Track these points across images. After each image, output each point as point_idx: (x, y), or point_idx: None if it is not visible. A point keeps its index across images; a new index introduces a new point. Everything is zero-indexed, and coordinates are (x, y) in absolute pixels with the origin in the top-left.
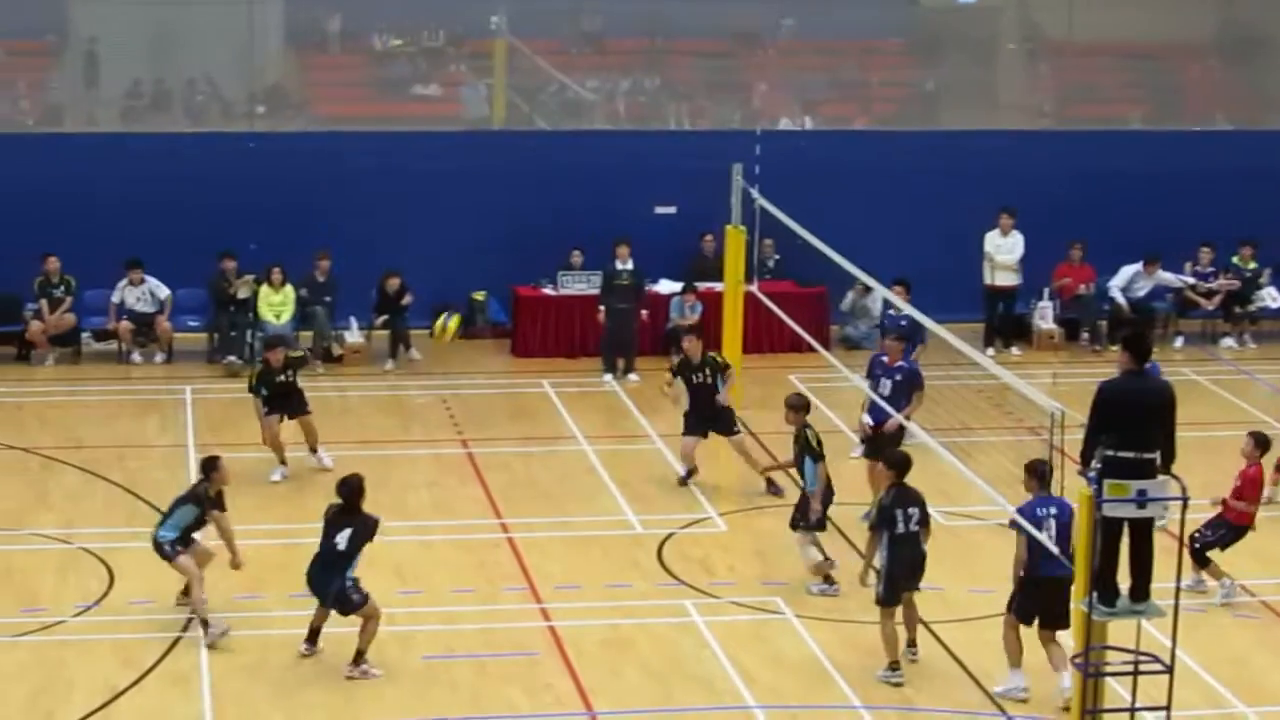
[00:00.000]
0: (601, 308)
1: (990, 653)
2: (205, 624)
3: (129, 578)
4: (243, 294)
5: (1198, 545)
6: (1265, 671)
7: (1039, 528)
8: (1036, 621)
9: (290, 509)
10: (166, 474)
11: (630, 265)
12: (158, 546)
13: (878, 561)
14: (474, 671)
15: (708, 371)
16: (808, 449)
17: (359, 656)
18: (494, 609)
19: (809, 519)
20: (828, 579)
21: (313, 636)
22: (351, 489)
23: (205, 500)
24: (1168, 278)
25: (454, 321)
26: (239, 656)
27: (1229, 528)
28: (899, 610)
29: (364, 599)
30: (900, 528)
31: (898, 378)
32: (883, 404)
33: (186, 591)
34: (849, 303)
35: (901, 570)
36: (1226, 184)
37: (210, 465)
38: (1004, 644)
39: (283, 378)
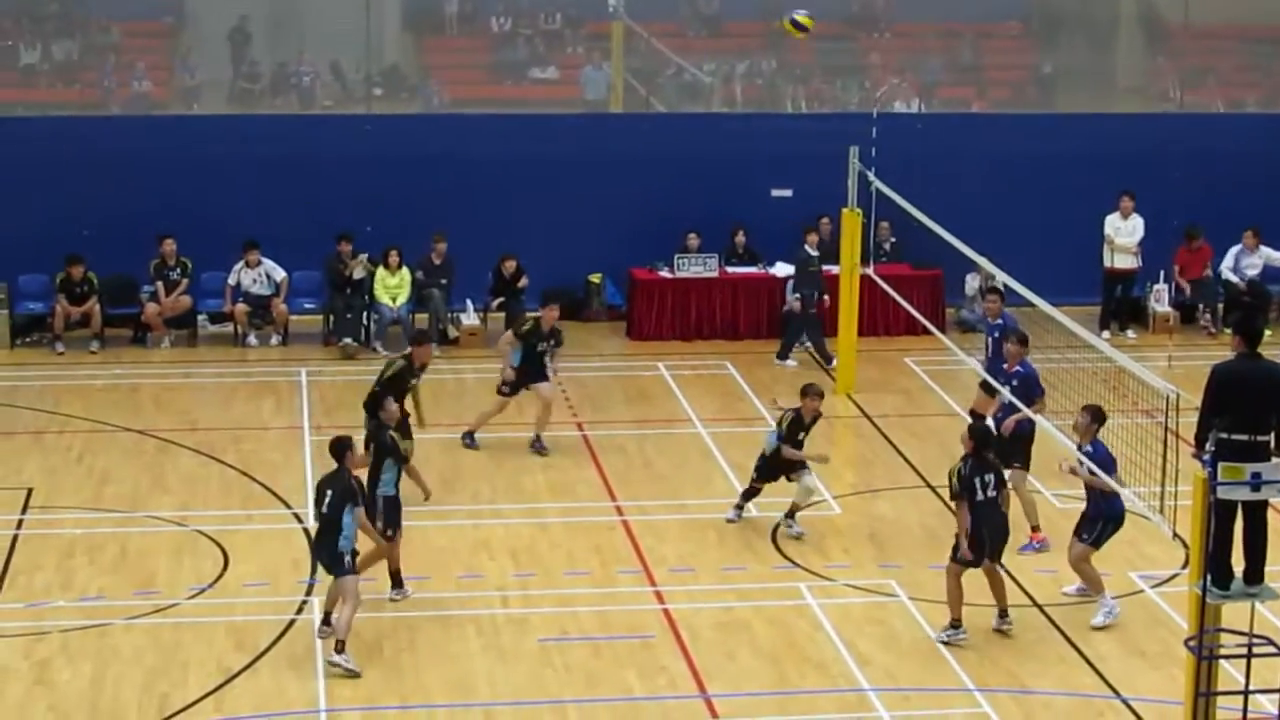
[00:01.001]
0: (797, 295)
1: (1106, 637)
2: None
3: (243, 560)
4: (358, 274)
5: None
6: None
7: (1110, 467)
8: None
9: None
10: (281, 456)
11: (817, 252)
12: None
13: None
14: (589, 654)
15: (551, 343)
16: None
17: (340, 645)
18: (609, 592)
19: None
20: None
21: (328, 619)
22: (331, 448)
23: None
24: (1274, 255)
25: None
26: (353, 640)
27: None
28: (984, 574)
29: (351, 569)
30: (980, 494)
31: (1014, 383)
32: (1015, 401)
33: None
34: (973, 287)
35: (988, 533)
36: None
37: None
38: (1086, 578)
39: (415, 381)
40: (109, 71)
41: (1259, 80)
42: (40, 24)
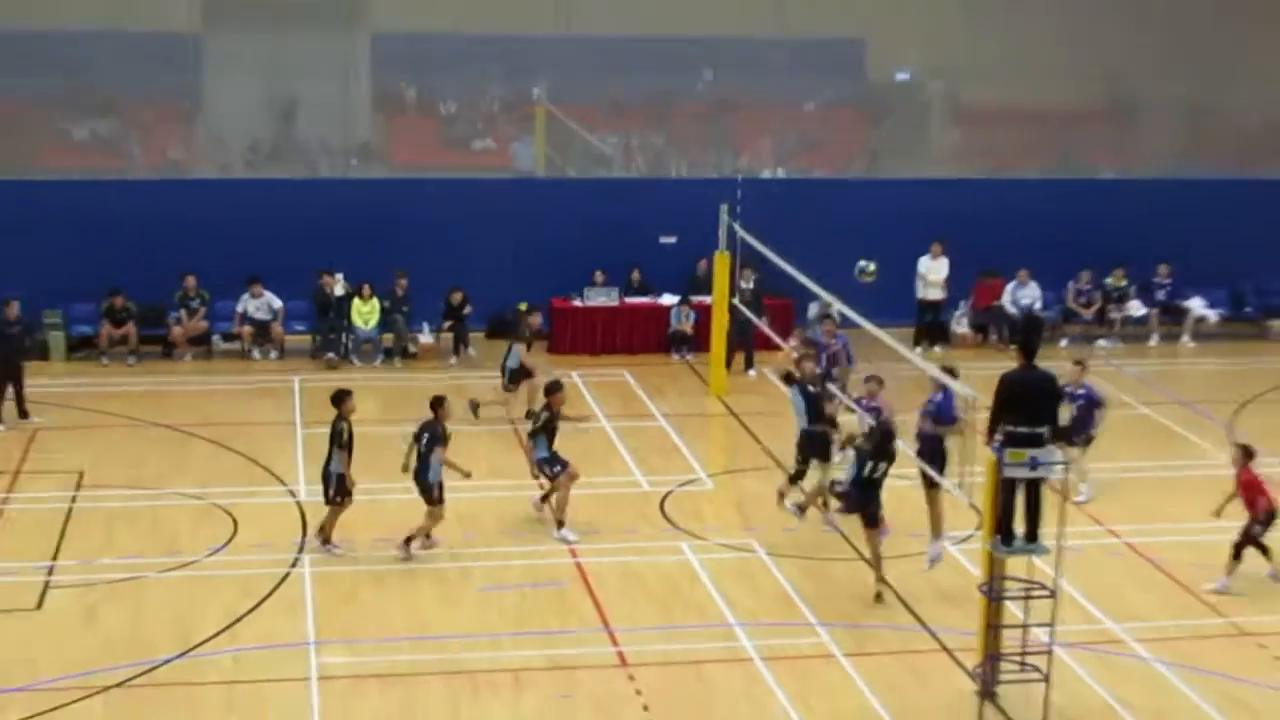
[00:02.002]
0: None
1: (920, 582)
2: (409, 543)
3: (249, 526)
4: (338, 291)
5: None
6: (1130, 597)
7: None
8: None
9: (371, 465)
10: (279, 445)
11: (750, 285)
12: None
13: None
14: (518, 598)
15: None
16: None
17: (411, 540)
18: (535, 549)
19: None
20: None
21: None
22: (431, 403)
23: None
24: (1035, 289)
25: None
26: (337, 587)
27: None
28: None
29: (440, 499)
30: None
31: (871, 420)
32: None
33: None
34: (814, 313)
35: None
36: (1105, 220)
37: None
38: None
39: (557, 424)
40: (138, 143)
41: (1041, 151)
42: (86, 109)
